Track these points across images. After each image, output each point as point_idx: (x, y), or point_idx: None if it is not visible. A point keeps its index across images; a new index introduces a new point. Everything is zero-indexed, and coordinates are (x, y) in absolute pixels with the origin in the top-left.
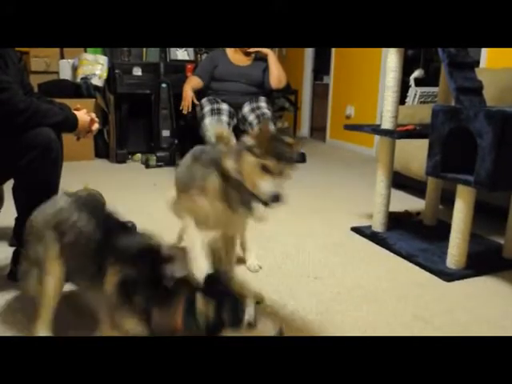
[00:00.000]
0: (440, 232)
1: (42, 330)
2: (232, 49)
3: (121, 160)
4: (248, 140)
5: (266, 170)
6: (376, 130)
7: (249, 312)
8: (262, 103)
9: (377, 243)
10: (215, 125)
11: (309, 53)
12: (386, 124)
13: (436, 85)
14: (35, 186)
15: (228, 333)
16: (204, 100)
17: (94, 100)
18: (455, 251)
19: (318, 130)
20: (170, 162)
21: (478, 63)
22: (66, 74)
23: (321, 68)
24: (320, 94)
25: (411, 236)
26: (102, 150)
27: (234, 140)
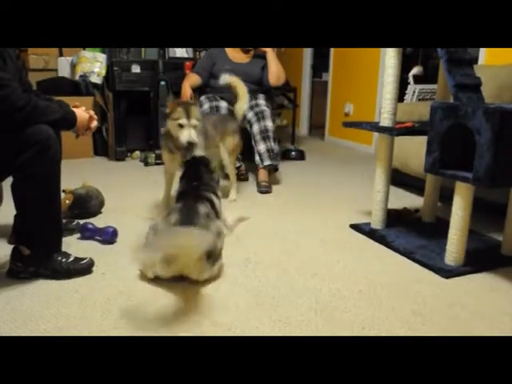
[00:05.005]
0: (438, 229)
1: None
2: None
3: (120, 158)
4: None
5: (181, 126)
6: (375, 127)
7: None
8: (261, 100)
9: (375, 240)
10: None
11: (308, 50)
12: (385, 121)
13: (435, 82)
14: (34, 184)
15: None
16: (203, 97)
17: (92, 98)
18: (454, 248)
19: (317, 128)
20: None
21: (476, 60)
22: (64, 71)
23: (320, 65)
24: (319, 92)
25: (410, 233)
26: (101, 148)
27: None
